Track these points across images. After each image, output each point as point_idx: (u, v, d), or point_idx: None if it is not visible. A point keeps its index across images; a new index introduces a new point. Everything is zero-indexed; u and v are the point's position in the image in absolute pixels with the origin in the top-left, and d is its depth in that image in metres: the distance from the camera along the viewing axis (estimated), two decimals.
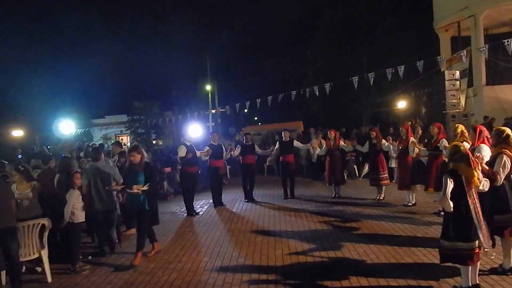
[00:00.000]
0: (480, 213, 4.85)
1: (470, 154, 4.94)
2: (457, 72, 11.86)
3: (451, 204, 4.74)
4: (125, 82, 38.73)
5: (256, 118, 51.37)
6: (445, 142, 8.38)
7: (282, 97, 16.98)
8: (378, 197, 10.59)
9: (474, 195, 4.84)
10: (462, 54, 15.79)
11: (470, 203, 4.77)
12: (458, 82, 11.51)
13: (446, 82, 11.23)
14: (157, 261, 6.88)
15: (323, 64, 31.58)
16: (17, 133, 26.07)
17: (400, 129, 10.41)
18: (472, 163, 4.81)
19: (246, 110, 33.61)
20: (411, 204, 9.66)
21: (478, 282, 4.91)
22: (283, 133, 11.94)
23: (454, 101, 11.14)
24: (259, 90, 30.45)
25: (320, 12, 33.55)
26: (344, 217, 9.07)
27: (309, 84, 20.79)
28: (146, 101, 33.33)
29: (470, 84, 18.78)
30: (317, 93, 16.38)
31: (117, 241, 7.70)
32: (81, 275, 6.42)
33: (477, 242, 4.77)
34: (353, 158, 14.37)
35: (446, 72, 11.84)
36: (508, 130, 5.50)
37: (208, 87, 34.35)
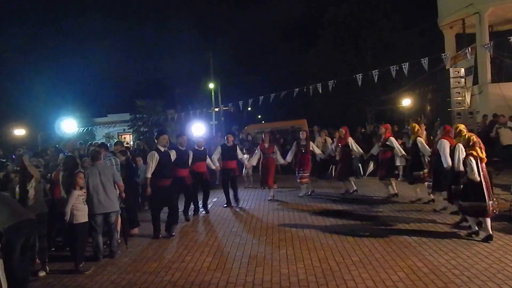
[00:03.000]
0: (489, 183, 7.00)
1: (478, 140, 7.06)
2: (462, 70, 11.72)
3: (477, 177, 6.74)
4: (128, 81, 38.76)
5: (259, 116, 51.34)
6: (392, 140, 10.28)
7: (286, 95, 16.87)
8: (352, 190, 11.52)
9: (484, 169, 6.92)
10: (467, 51, 15.64)
11: (482, 175, 6.80)
12: (463, 80, 11.36)
13: (451, 80, 11.09)
14: (160, 260, 6.83)
15: (327, 61, 31.50)
16: (19, 132, 26.02)
17: (340, 130, 11.65)
18: (480, 147, 6.97)
19: (249, 108, 33.54)
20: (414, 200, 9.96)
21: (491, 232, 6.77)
22: (226, 136, 11.33)
23: (459, 98, 11.00)
24: (263, 88, 30.38)
25: (324, 10, 33.51)
26: (348, 216, 9.01)
27: (313, 82, 20.70)
28: (149, 100, 33.22)
29: (475, 81, 18.66)
30: (320, 91, 16.28)
31: (119, 241, 7.60)
32: (83, 275, 6.38)
33: (487, 202, 6.74)
34: (358, 156, 14.25)
35: (451, 69, 11.69)
36: (461, 126, 7.68)
37: (211, 85, 34.28)
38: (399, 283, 5.30)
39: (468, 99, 15.05)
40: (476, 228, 7.02)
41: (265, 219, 9.27)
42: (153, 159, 8.07)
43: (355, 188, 11.50)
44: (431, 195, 9.29)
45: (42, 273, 6.49)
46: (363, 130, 18.81)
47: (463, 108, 11.00)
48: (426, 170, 9.39)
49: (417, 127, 9.70)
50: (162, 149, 8.31)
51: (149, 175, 8.09)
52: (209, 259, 6.76)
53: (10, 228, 5.70)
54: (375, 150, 10.98)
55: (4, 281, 5.80)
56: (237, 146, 11.42)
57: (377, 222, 8.34)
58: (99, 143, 11.94)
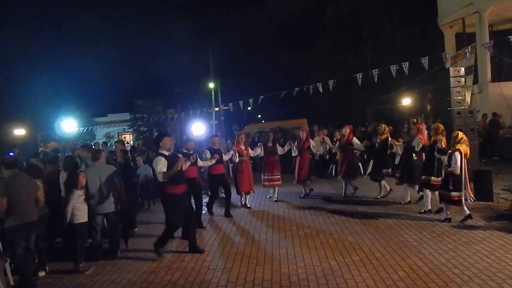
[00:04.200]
0: (467, 175, 7.91)
1: (466, 139, 7.98)
2: (462, 69, 11.66)
3: (458, 170, 7.59)
4: (128, 80, 38.67)
5: (260, 116, 51.36)
6: (356, 140, 11.36)
7: (286, 95, 16.86)
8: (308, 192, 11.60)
9: (465, 164, 7.79)
10: (467, 50, 15.65)
11: (464, 169, 7.72)
12: (463, 79, 11.30)
13: (451, 79, 11.02)
14: (160, 260, 6.81)
15: (327, 61, 31.51)
16: (19, 131, 25.95)
17: (301, 132, 11.82)
18: (467, 144, 7.91)
19: (249, 108, 33.58)
20: (403, 202, 10.01)
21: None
22: (212, 139, 10.33)
23: (459, 98, 10.94)
24: (263, 88, 30.41)
25: (324, 9, 33.54)
26: (349, 215, 9.00)
27: (313, 81, 20.70)
28: (148, 99, 33.16)
29: (475, 81, 18.69)
30: (321, 90, 16.28)
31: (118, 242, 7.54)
32: (84, 275, 6.37)
33: (462, 192, 7.68)
34: (358, 155, 14.26)
35: (451, 69, 11.65)
36: (442, 126, 8.60)
37: (211, 85, 34.28)
38: (399, 283, 5.29)
39: (468, 98, 15.07)
40: (449, 215, 7.98)
41: (265, 218, 9.28)
42: (162, 164, 6.83)
43: (307, 192, 11.58)
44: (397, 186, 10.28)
45: (42, 273, 6.48)
46: (363, 129, 18.81)
47: (463, 107, 10.96)
48: (390, 170, 10.54)
49: (386, 128, 10.86)
50: (167, 153, 7.06)
51: (163, 169, 6.82)
52: (209, 258, 6.76)
53: (11, 229, 5.74)
54: (336, 149, 11.97)
55: (3, 281, 5.82)
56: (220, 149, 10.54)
57: (377, 221, 8.32)
58: (84, 143, 11.71)
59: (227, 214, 9.77)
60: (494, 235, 6.91)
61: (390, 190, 10.70)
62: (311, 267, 6.04)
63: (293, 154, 11.71)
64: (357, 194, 11.27)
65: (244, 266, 6.27)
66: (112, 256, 7.14)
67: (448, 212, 8.02)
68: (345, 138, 11.29)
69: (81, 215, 6.65)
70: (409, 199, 9.83)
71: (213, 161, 9.47)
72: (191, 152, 9.01)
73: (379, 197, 10.69)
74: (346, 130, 11.38)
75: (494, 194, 9.35)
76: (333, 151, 12.81)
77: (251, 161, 11.38)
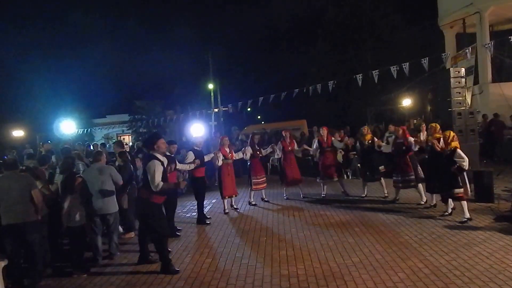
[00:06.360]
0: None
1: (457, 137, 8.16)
2: (463, 70, 11.68)
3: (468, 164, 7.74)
4: (127, 81, 38.83)
5: (259, 117, 51.38)
6: (335, 140, 11.47)
7: (286, 96, 16.80)
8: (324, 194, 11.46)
9: None
10: (467, 51, 15.60)
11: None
12: (463, 80, 11.31)
13: (451, 80, 11.03)
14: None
15: (327, 61, 31.50)
16: (18, 133, 25.90)
17: (284, 134, 11.48)
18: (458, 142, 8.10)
19: (249, 109, 33.55)
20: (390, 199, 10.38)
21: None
22: (197, 141, 10.08)
23: (460, 98, 10.95)
24: (263, 89, 30.42)
25: (324, 10, 33.57)
26: (348, 216, 8.96)
27: (312, 82, 20.65)
28: (148, 100, 33.22)
29: (475, 81, 18.65)
30: (319, 91, 16.23)
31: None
32: (82, 277, 6.35)
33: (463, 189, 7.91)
34: (357, 156, 14.21)
35: (451, 69, 11.65)
36: (438, 126, 8.62)
37: (211, 86, 34.26)
38: (399, 284, 5.26)
39: (468, 99, 15.06)
40: (468, 215, 7.86)
41: (265, 220, 9.24)
42: (160, 172, 6.18)
43: (285, 196, 11.53)
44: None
45: None
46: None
47: (463, 108, 10.96)
48: (383, 167, 10.71)
49: (368, 129, 11.31)
50: (161, 158, 6.40)
51: (159, 179, 6.15)
52: (209, 260, 6.73)
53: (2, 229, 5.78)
54: (314, 151, 11.62)
55: (2, 282, 5.79)
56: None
57: (377, 222, 8.29)
58: (65, 147, 11.52)
59: (201, 221, 9.44)
60: (494, 237, 6.88)
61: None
62: (311, 268, 6.01)
63: (276, 156, 11.65)
64: (355, 194, 11.27)
65: (243, 268, 6.24)
66: (110, 257, 7.11)
67: (450, 208, 8.34)
68: (325, 140, 11.26)
69: (79, 217, 6.61)
70: (426, 200, 9.64)
71: (192, 166, 9.21)
72: (172, 155, 8.66)
73: (387, 195, 10.57)
74: (324, 131, 11.34)
75: (495, 195, 9.32)
76: (311, 153, 12.55)
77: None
